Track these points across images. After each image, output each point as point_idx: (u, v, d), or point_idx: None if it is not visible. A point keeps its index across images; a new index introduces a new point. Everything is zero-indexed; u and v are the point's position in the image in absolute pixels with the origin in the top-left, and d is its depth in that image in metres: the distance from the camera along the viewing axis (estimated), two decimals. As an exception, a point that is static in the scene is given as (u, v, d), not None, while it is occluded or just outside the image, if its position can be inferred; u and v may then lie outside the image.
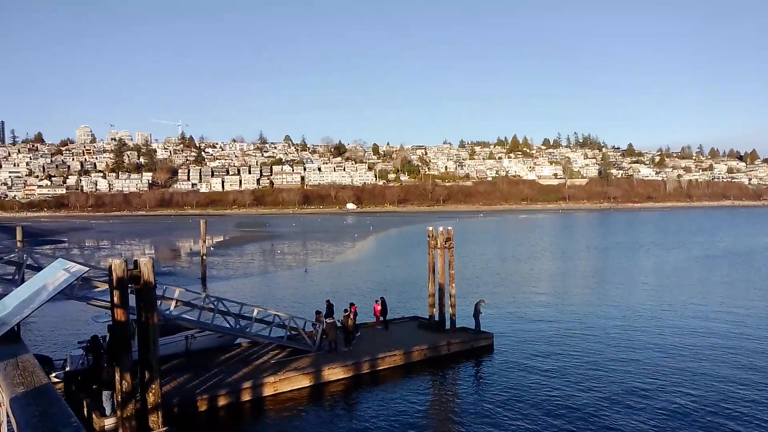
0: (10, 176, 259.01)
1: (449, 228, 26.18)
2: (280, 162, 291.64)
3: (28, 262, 15.73)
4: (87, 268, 9.18)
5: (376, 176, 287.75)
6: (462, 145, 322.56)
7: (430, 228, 26.47)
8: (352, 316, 22.08)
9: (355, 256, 64.43)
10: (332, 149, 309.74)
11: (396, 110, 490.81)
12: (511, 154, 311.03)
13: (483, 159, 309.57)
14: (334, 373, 19.51)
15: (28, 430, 1.55)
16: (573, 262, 55.92)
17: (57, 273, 3.32)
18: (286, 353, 20.91)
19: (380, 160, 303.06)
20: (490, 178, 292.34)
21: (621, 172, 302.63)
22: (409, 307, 31.41)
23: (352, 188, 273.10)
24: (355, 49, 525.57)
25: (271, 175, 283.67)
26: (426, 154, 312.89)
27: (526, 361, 21.60)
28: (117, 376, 14.55)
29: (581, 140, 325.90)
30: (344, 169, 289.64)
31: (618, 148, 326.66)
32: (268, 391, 17.97)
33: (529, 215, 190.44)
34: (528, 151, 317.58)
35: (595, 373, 19.99)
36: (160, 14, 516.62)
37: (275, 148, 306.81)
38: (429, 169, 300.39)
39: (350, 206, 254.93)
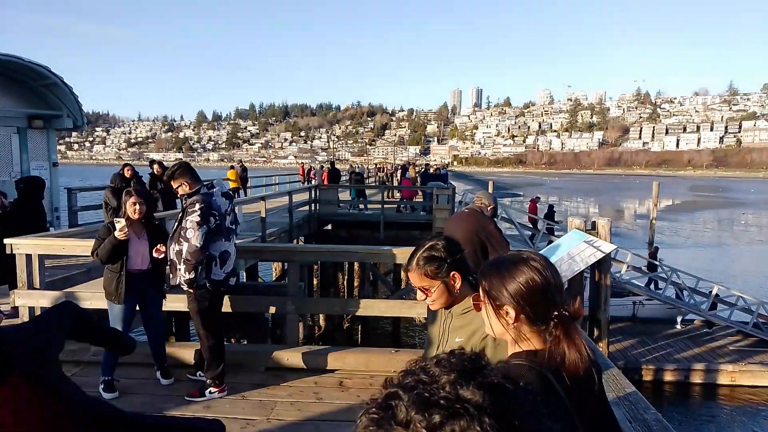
0: (483, 136, 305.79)
1: None
2: (753, 116, 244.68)
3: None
4: (615, 247, 8.23)
5: None
6: None
7: None
8: None
9: None
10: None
11: None
12: None
13: None
14: (817, 381, 15.91)
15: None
16: None
17: (579, 244, 3.77)
18: (748, 342, 18.21)
19: None
20: None
21: None
22: None
23: None
24: None
25: (739, 131, 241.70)
26: None
27: None
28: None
29: None
30: None
31: None
32: (722, 380, 16.18)
33: None
34: None
35: None
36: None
37: (748, 99, 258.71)
38: None
39: None
